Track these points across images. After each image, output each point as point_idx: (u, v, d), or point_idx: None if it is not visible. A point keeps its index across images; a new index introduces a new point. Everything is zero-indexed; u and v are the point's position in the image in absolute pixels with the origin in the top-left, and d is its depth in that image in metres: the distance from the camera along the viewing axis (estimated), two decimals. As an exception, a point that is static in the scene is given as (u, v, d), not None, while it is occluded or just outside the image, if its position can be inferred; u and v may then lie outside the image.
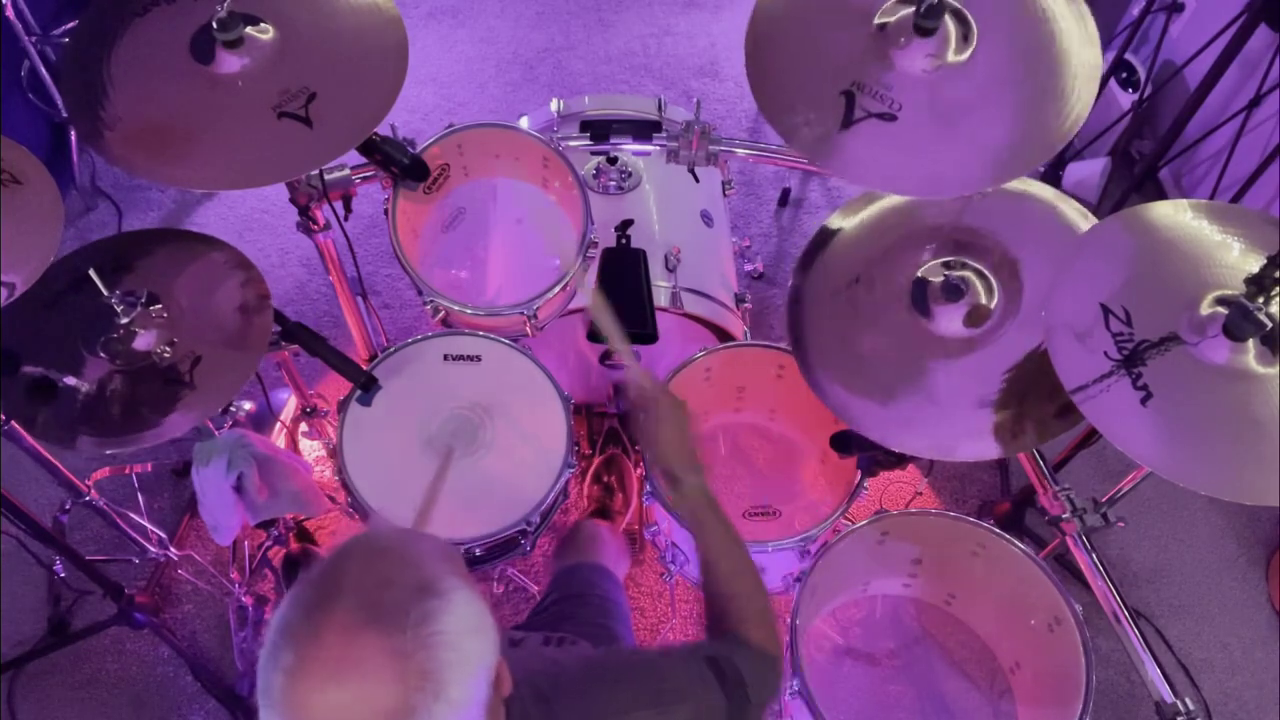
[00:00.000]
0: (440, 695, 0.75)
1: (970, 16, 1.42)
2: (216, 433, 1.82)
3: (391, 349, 1.74)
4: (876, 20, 1.43)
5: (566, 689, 1.01)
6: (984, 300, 1.50)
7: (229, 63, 1.44)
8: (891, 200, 1.64)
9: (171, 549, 2.17)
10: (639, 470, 2.06)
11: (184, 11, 1.48)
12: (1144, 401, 1.23)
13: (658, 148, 1.94)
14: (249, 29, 1.44)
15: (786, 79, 1.42)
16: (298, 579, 0.81)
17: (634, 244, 1.86)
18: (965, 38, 1.41)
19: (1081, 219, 1.55)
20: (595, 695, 1.01)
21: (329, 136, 1.44)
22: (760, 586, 1.19)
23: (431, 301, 1.73)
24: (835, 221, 1.66)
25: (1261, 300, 1.21)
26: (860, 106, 1.38)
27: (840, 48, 1.43)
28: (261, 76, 1.45)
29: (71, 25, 2.70)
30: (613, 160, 2.07)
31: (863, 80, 1.40)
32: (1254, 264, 1.23)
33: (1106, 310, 1.28)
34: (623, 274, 1.82)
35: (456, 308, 1.73)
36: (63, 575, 2.14)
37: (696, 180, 2.04)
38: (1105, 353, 1.26)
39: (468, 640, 0.79)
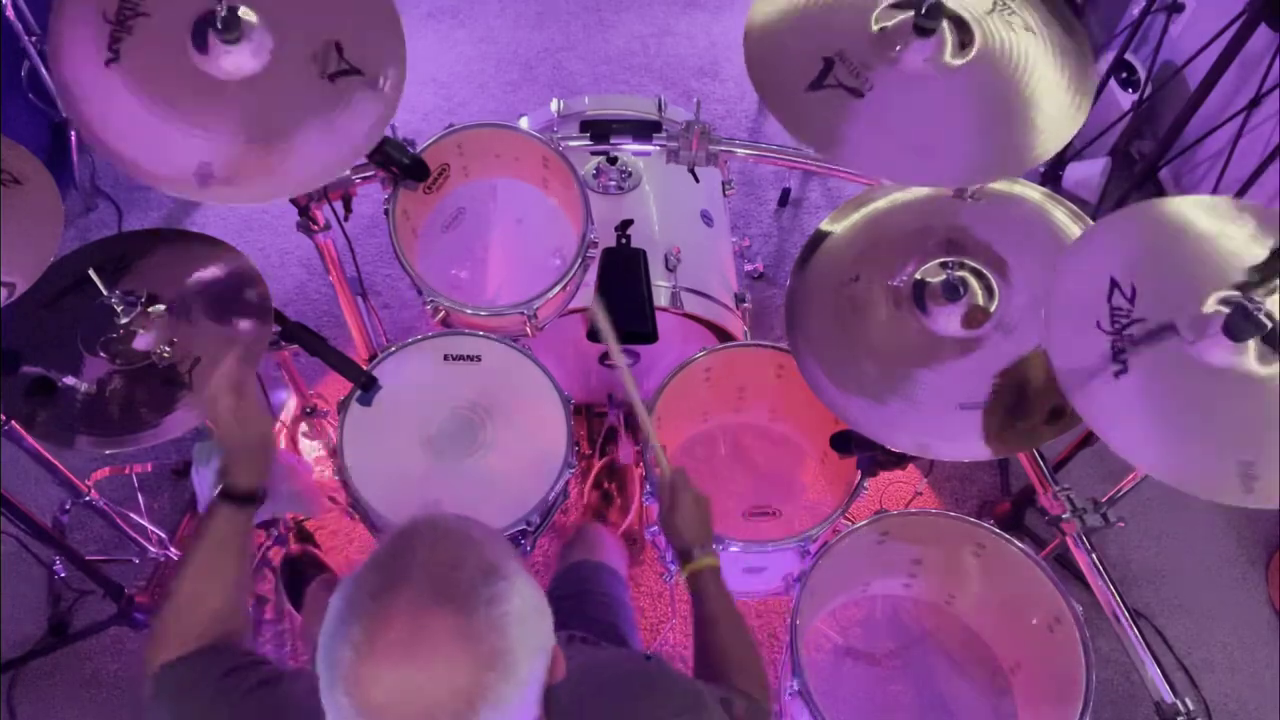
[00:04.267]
0: (509, 675, 0.76)
1: (972, 26, 1.43)
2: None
3: (391, 349, 1.74)
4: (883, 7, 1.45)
5: (608, 690, 1.02)
6: (982, 301, 1.50)
7: (229, 61, 1.43)
8: (886, 201, 1.64)
9: (171, 549, 2.17)
10: (639, 470, 2.06)
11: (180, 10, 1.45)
12: (1116, 375, 1.25)
13: (658, 148, 1.94)
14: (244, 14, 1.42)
15: (782, 34, 1.46)
16: (364, 563, 0.82)
17: (634, 244, 1.86)
18: (963, 45, 1.42)
19: (1073, 222, 1.56)
20: (640, 704, 1.02)
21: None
22: (753, 645, 1.25)
23: (431, 301, 1.73)
24: (831, 222, 1.66)
25: (1263, 291, 1.22)
26: (834, 75, 1.42)
27: (841, 18, 1.46)
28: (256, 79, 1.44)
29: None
30: (613, 160, 2.07)
31: (847, 54, 1.43)
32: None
33: (1114, 284, 1.30)
34: (623, 274, 1.82)
35: (456, 308, 1.73)
36: (63, 575, 2.14)
37: (696, 180, 2.04)
38: (1098, 322, 1.28)
39: (533, 621, 0.80)
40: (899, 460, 1.56)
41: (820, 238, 1.64)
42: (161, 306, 1.56)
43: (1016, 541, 1.66)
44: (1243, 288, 1.26)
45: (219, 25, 1.38)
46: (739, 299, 2.11)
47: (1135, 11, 2.72)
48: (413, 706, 0.74)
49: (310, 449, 2.40)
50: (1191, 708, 1.48)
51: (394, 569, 0.79)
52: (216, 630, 1.11)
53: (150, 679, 1.07)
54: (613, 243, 1.87)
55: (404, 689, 0.74)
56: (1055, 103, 1.41)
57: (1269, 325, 1.21)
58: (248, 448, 1.22)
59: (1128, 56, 2.74)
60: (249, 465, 1.22)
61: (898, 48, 1.42)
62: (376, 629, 0.75)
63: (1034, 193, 1.61)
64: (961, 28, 1.43)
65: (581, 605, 1.57)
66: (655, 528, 1.89)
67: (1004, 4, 1.45)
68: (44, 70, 2.60)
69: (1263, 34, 2.17)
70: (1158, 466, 1.22)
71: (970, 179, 1.53)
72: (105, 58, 1.39)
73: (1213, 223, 1.34)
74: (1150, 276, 1.31)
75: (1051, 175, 2.84)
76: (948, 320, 1.49)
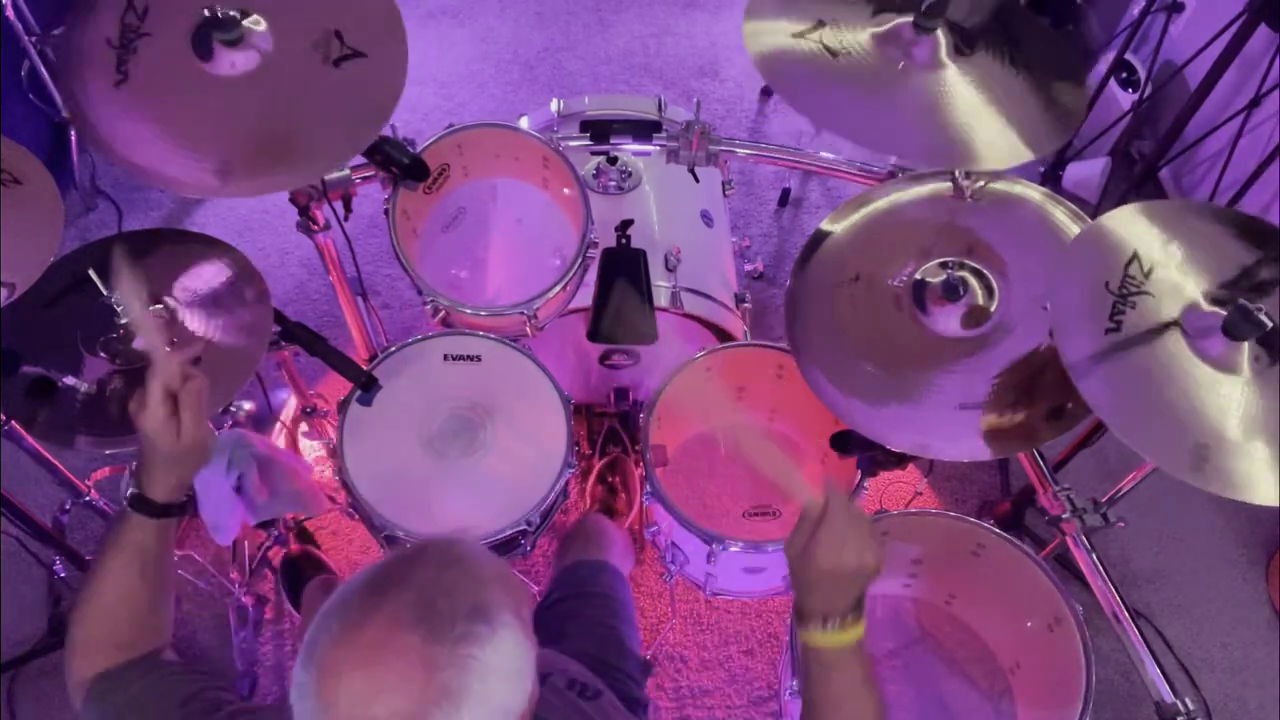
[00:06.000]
0: (453, 718, 0.75)
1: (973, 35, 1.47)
2: (216, 433, 1.82)
3: (391, 349, 1.74)
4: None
5: None
6: (982, 301, 1.50)
7: (230, 62, 1.44)
8: (886, 201, 1.64)
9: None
10: (640, 470, 2.06)
11: (172, 16, 1.46)
12: (1106, 331, 1.29)
13: (658, 148, 1.94)
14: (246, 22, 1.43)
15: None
16: (374, 564, 0.82)
17: (634, 244, 1.86)
18: (960, 49, 1.43)
19: (1072, 222, 1.56)
20: None
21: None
22: None
23: (431, 301, 1.73)
24: (831, 222, 1.66)
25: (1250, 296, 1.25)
26: (819, 34, 1.48)
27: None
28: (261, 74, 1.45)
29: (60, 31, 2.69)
30: (613, 160, 2.07)
31: (839, 22, 1.48)
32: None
33: (1136, 257, 1.34)
34: (623, 274, 1.82)
35: (456, 308, 1.73)
36: (63, 575, 2.14)
37: (696, 180, 2.04)
38: (1107, 282, 1.32)
39: (498, 681, 0.78)
40: (899, 460, 1.56)
41: (820, 238, 1.64)
42: (161, 306, 1.57)
43: (1016, 541, 1.66)
44: (1235, 286, 1.28)
45: (220, 30, 1.39)
46: (739, 299, 2.11)
47: (1135, 11, 2.72)
48: (357, 711, 0.75)
49: (310, 449, 2.40)
50: (1191, 708, 1.48)
51: (393, 576, 0.80)
52: (143, 641, 1.05)
53: (80, 688, 1.00)
54: (613, 243, 1.87)
55: (355, 691, 0.75)
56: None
57: (1269, 325, 1.22)
58: (175, 457, 1.04)
59: (1128, 56, 2.74)
60: (168, 476, 1.06)
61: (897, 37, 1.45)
62: (353, 627, 0.77)
63: (1034, 193, 1.61)
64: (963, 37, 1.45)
65: (582, 608, 1.57)
66: (655, 527, 1.90)
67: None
68: (44, 70, 2.60)
69: (1263, 34, 2.17)
70: (1120, 424, 1.25)
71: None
72: (115, 80, 1.40)
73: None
74: (1169, 267, 1.34)
75: (1051, 175, 2.84)
76: (948, 320, 1.49)
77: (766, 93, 3.13)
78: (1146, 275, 1.33)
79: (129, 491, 1.06)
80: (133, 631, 1.06)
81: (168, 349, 1.02)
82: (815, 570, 0.96)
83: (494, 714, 0.78)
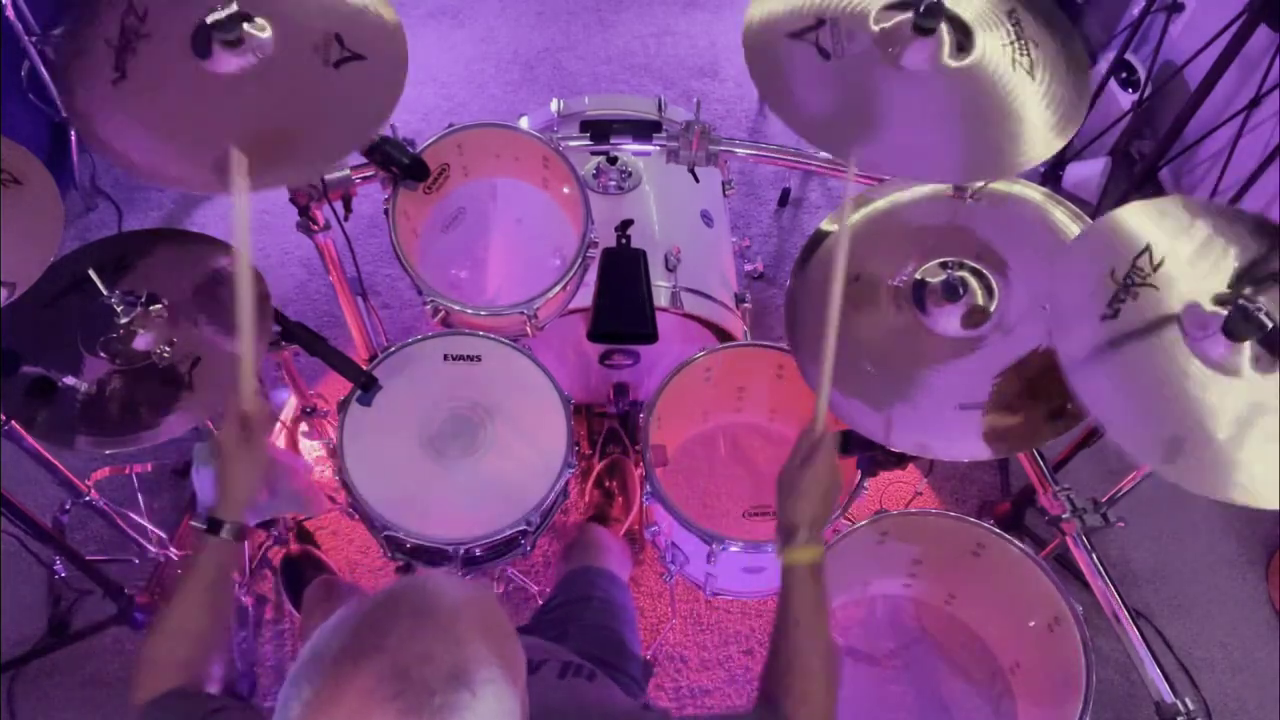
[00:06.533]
0: None
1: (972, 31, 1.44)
2: (216, 433, 1.82)
3: (391, 349, 1.74)
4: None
5: None
6: (982, 301, 1.50)
7: (228, 62, 1.44)
8: (886, 201, 1.64)
9: (171, 549, 2.17)
10: (639, 470, 2.06)
11: (171, 18, 1.46)
12: (1103, 318, 1.30)
13: (658, 148, 1.94)
14: (247, 26, 1.43)
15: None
16: (347, 610, 0.79)
17: (634, 244, 1.86)
18: (960, 47, 1.42)
19: (1072, 222, 1.56)
20: None
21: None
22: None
23: (431, 301, 1.73)
24: (831, 222, 1.66)
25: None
26: (815, 33, 1.44)
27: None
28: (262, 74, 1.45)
29: (59, 30, 2.69)
30: (613, 160, 2.07)
31: (838, 21, 1.45)
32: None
33: (1149, 249, 1.34)
34: (623, 274, 1.82)
35: (456, 308, 1.73)
36: (63, 575, 2.14)
37: (696, 180, 2.04)
38: (1113, 270, 1.33)
39: None
40: (899, 460, 1.56)
41: (820, 238, 1.64)
42: (161, 306, 1.57)
43: (1016, 541, 1.66)
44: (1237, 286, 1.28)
45: (219, 30, 1.39)
46: (739, 299, 2.11)
47: (1135, 11, 2.72)
48: None
49: (310, 449, 2.40)
50: (1191, 708, 1.48)
51: (367, 639, 0.76)
52: (198, 662, 1.13)
53: (135, 712, 1.07)
54: (613, 243, 1.87)
55: None
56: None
57: (1269, 325, 1.22)
58: (244, 473, 1.22)
59: (1128, 56, 2.74)
60: (239, 492, 1.21)
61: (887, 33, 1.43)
62: (325, 699, 0.73)
63: (1034, 193, 1.61)
64: (962, 32, 1.43)
65: (582, 611, 1.58)
66: (655, 527, 1.90)
67: (1018, 39, 1.46)
68: (44, 70, 2.60)
69: (1263, 34, 2.17)
70: (1099, 408, 1.26)
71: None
72: (112, 78, 1.40)
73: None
74: (1181, 263, 1.35)
75: (1051, 175, 2.84)
76: (948, 320, 1.49)
77: (767, 93, 3.13)
78: (1155, 268, 1.33)
79: (204, 520, 1.19)
80: (189, 649, 1.14)
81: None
82: (811, 479, 1.17)
83: None
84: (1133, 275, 1.32)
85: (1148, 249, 1.34)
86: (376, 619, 0.77)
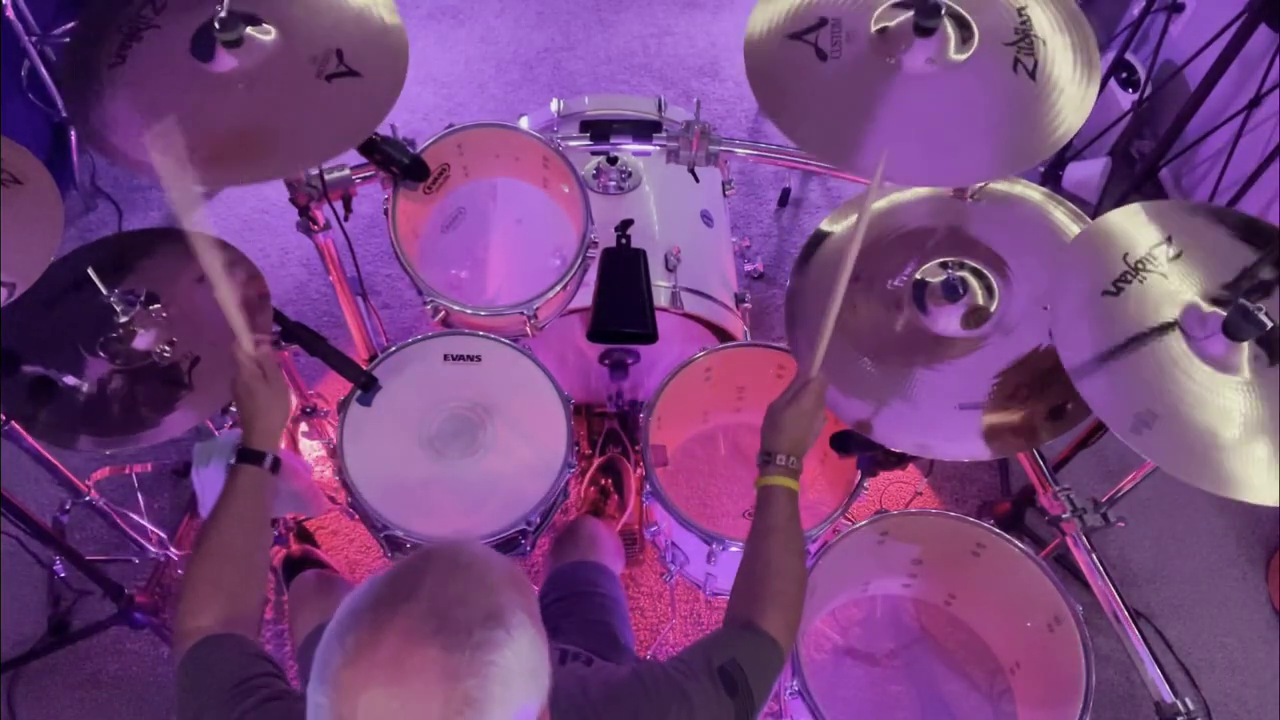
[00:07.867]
0: None
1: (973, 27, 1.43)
2: (216, 433, 1.82)
3: (391, 349, 1.74)
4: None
5: (597, 713, 1.02)
6: (982, 301, 1.50)
7: (225, 61, 1.44)
8: (886, 201, 1.64)
9: (171, 549, 2.17)
10: (639, 470, 2.06)
11: (185, 13, 1.47)
12: (1104, 294, 1.32)
13: (658, 148, 1.94)
14: (249, 29, 1.43)
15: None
16: (377, 574, 0.82)
17: (634, 244, 1.86)
18: (964, 42, 1.42)
19: (1072, 222, 1.56)
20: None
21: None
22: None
23: (431, 301, 1.73)
24: (831, 222, 1.66)
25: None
26: (815, 33, 1.45)
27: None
28: (262, 75, 1.45)
29: (71, 25, 2.69)
30: (613, 160, 2.07)
31: (839, 21, 1.45)
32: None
33: (1169, 239, 1.37)
34: (623, 274, 1.82)
35: (456, 308, 1.73)
36: (63, 575, 2.14)
37: (696, 180, 2.04)
38: (1126, 254, 1.35)
39: (519, 680, 0.78)
40: (899, 460, 1.56)
41: (820, 238, 1.64)
42: (161, 306, 1.57)
43: (1016, 541, 1.66)
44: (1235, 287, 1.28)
45: (222, 30, 1.40)
46: (739, 299, 2.11)
47: (1135, 11, 2.72)
48: None
49: (310, 449, 2.40)
50: (1191, 708, 1.48)
51: (402, 587, 0.78)
52: (243, 589, 1.16)
53: (185, 639, 1.09)
54: (613, 243, 1.87)
55: (376, 708, 0.74)
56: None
57: (1269, 325, 1.22)
58: (269, 404, 1.28)
59: (1128, 56, 2.73)
60: (267, 423, 1.28)
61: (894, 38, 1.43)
62: (367, 643, 0.75)
63: (1034, 193, 1.61)
64: (963, 27, 1.43)
65: (575, 606, 1.58)
66: (655, 527, 1.90)
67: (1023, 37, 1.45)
68: (44, 70, 2.60)
69: (1263, 34, 2.17)
70: (1078, 372, 1.28)
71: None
72: (110, 61, 1.41)
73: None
74: (1195, 256, 1.36)
75: (1051, 175, 2.84)
76: (948, 320, 1.49)
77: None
78: (1170, 260, 1.35)
79: (237, 451, 1.26)
80: (234, 576, 1.17)
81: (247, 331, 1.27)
82: (795, 414, 1.28)
83: (516, 714, 0.78)
84: (1145, 263, 1.34)
85: (1169, 239, 1.36)
86: (410, 572, 0.80)
